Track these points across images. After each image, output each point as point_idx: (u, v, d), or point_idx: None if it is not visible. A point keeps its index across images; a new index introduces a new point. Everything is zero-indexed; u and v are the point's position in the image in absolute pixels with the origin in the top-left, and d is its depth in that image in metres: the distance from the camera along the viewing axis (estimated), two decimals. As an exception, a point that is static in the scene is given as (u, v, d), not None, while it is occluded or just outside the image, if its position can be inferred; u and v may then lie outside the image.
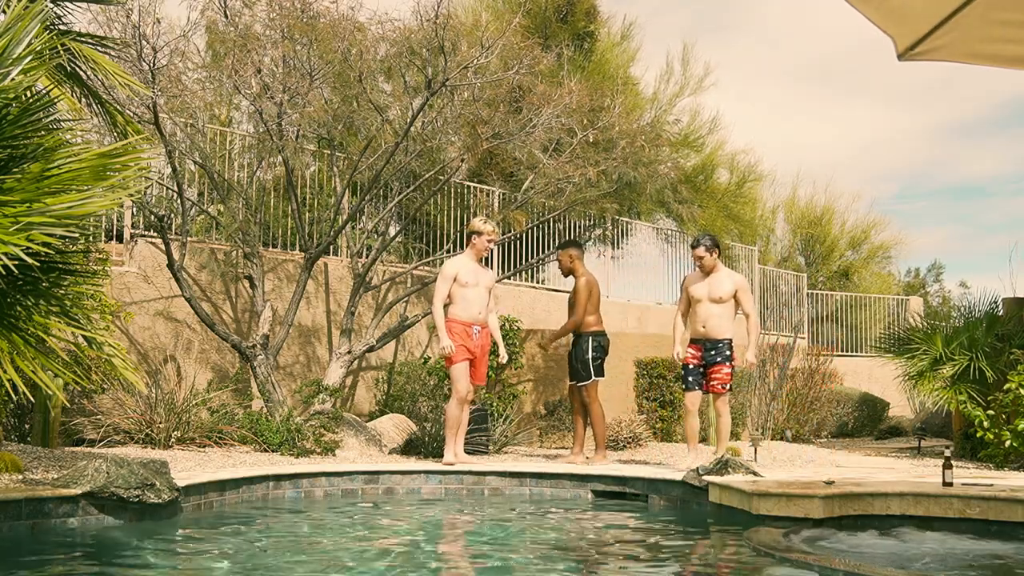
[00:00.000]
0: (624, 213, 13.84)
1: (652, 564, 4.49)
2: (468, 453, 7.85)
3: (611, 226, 14.00)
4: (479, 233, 7.38)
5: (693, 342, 7.01)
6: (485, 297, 7.37)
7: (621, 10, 26.10)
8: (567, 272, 7.87)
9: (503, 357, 7.65)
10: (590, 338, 7.59)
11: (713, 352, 6.88)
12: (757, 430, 10.38)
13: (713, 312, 6.91)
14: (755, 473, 5.99)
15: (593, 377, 7.58)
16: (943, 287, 29.17)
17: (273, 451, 7.57)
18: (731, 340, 6.94)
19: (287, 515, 5.66)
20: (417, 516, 5.82)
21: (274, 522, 5.37)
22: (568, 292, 8.15)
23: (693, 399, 6.97)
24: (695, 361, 6.94)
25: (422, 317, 9.76)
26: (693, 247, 7.04)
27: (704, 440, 9.79)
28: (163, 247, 8.17)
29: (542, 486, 6.70)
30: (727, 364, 6.88)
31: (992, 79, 48.61)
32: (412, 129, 8.70)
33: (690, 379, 6.96)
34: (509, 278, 11.30)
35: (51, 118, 4.73)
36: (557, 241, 12.61)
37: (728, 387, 6.94)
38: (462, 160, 9.77)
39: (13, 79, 4.30)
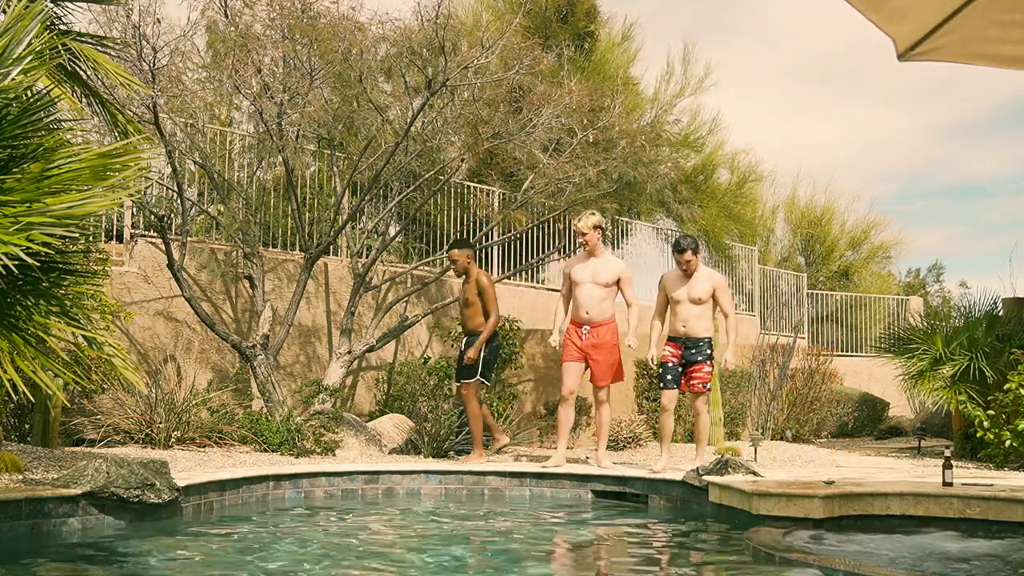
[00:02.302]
0: (624, 213, 13.84)
1: (652, 564, 4.50)
2: (468, 453, 7.85)
3: (611, 226, 13.99)
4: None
5: (673, 340, 6.87)
6: (598, 294, 7.04)
7: (621, 10, 26.11)
8: (462, 272, 7.60)
9: (631, 342, 7.09)
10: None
11: (694, 351, 6.77)
12: (757, 430, 10.37)
13: (693, 312, 6.79)
14: (755, 473, 5.99)
15: (478, 377, 7.44)
16: (943, 287, 29.13)
17: (273, 451, 7.57)
18: (711, 339, 6.85)
19: (287, 515, 5.66)
20: (415, 516, 5.82)
21: (274, 522, 5.37)
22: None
23: (671, 397, 6.82)
24: (674, 359, 6.81)
25: (422, 317, 9.77)
26: (680, 251, 6.78)
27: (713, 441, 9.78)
28: (163, 247, 8.17)
29: (542, 486, 6.70)
30: (708, 363, 6.77)
31: (992, 79, 48.58)
32: (412, 129, 8.70)
33: (669, 377, 6.82)
34: (509, 278, 11.30)
35: (51, 118, 4.73)
36: (557, 241, 12.60)
37: (708, 386, 6.84)
38: (462, 160, 9.77)
39: (13, 79, 4.30)
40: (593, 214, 7.22)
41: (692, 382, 6.78)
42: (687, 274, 6.84)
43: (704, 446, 6.92)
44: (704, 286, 6.81)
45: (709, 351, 6.81)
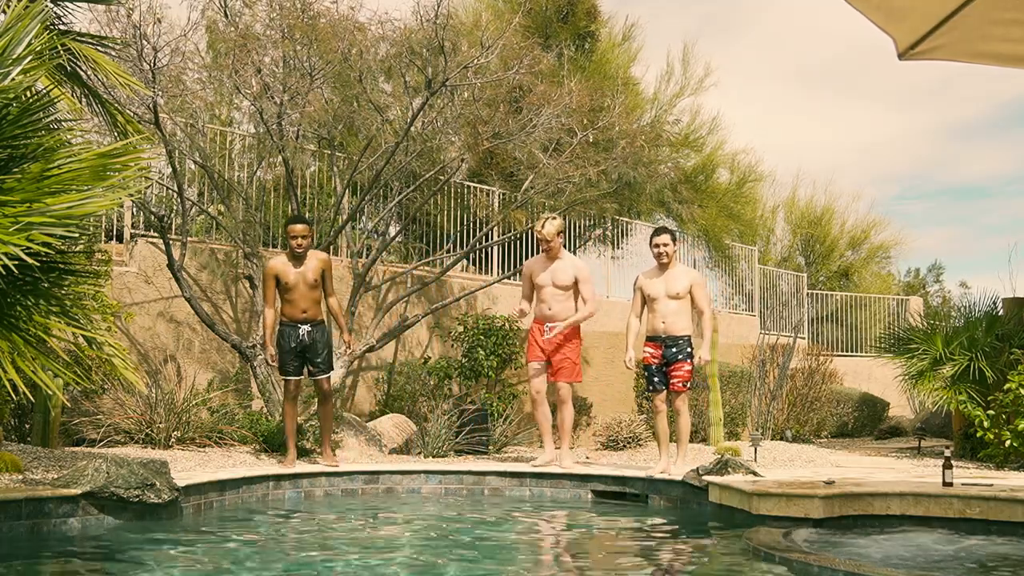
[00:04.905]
0: (624, 213, 13.83)
1: (652, 564, 4.49)
2: (468, 453, 7.85)
3: (611, 226, 13.99)
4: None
5: (652, 340, 6.79)
6: (557, 294, 7.06)
7: (622, 11, 26.12)
8: (306, 250, 6.92)
9: (554, 329, 6.99)
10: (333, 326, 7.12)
11: (674, 349, 6.68)
12: (757, 430, 10.37)
13: (671, 309, 6.71)
14: (755, 473, 5.99)
15: (331, 370, 7.04)
16: (943, 287, 29.14)
17: (273, 451, 7.57)
18: (690, 337, 6.77)
19: (287, 515, 5.66)
20: (415, 516, 5.82)
21: (274, 522, 5.37)
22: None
23: (663, 399, 6.78)
24: (656, 360, 6.74)
25: (422, 317, 9.76)
26: (657, 234, 6.80)
27: (706, 441, 9.78)
28: (163, 247, 8.17)
29: (542, 486, 6.70)
30: (688, 361, 6.69)
31: (992, 79, 48.49)
32: (412, 129, 8.70)
33: (655, 379, 6.76)
34: (509, 278, 11.30)
35: (51, 118, 4.73)
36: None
37: (688, 385, 6.77)
38: (462, 160, 9.77)
39: (13, 79, 4.30)
40: (554, 218, 7.12)
41: (672, 381, 6.69)
42: (658, 259, 6.77)
43: (686, 446, 6.86)
44: (682, 282, 6.74)
45: (689, 349, 6.72)
